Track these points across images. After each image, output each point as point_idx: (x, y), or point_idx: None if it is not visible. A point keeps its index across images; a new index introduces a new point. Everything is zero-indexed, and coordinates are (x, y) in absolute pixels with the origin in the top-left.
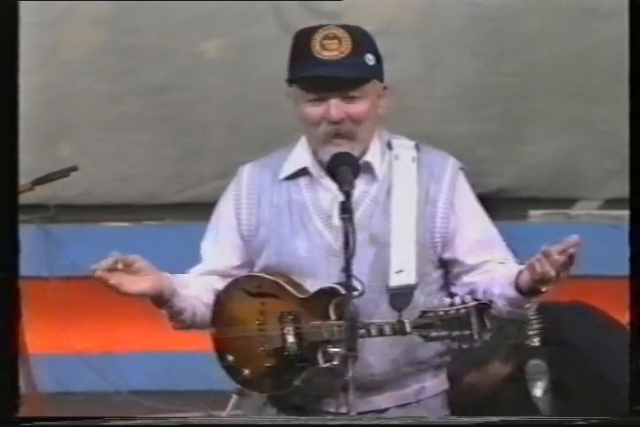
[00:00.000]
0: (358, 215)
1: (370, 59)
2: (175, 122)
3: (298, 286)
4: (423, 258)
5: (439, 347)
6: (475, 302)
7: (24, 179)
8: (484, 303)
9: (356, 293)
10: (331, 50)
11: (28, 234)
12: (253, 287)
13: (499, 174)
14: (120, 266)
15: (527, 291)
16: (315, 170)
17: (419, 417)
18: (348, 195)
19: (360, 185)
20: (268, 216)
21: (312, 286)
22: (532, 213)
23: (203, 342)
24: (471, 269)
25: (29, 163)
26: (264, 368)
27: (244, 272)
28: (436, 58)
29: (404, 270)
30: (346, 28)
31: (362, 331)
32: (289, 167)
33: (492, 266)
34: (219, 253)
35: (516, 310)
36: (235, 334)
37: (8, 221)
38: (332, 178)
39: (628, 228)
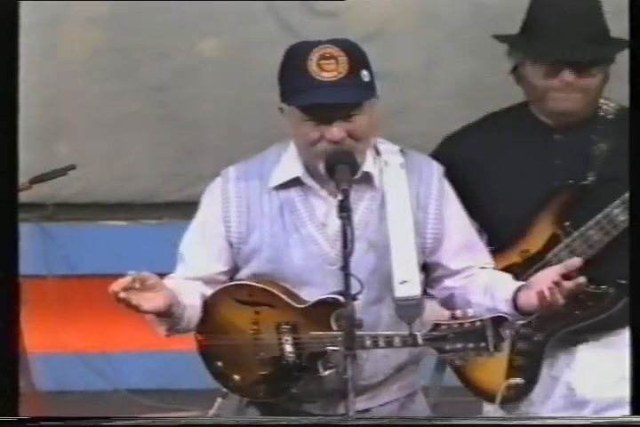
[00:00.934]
0: (355, 223)
1: (365, 75)
2: (173, 121)
3: (294, 296)
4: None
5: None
6: (490, 315)
7: (22, 177)
8: (500, 316)
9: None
10: (329, 71)
11: (25, 232)
12: (245, 296)
13: None
14: (137, 285)
15: (529, 312)
16: (307, 180)
17: (418, 417)
18: (346, 193)
19: (355, 193)
20: (259, 224)
21: (308, 294)
22: None
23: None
24: (454, 273)
25: (27, 161)
26: (259, 376)
27: (226, 278)
28: (434, 57)
29: (407, 281)
30: (340, 45)
31: (368, 342)
32: (279, 176)
33: (474, 271)
34: (204, 258)
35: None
36: (226, 342)
37: (8, 220)
38: (330, 177)
39: (629, 227)
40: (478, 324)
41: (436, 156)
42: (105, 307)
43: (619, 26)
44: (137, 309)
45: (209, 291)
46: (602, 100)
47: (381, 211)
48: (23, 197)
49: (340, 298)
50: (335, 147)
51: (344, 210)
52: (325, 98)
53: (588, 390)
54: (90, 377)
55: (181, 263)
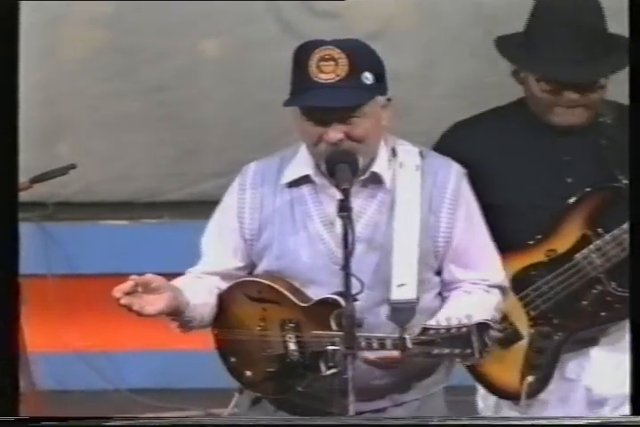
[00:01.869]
0: (362, 224)
1: (367, 77)
2: (174, 121)
3: (299, 294)
4: (425, 264)
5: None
6: (475, 321)
7: (22, 177)
8: (485, 323)
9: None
10: (327, 72)
11: (26, 232)
12: (255, 292)
13: None
14: (140, 289)
15: None
16: (317, 178)
17: (419, 417)
18: (346, 193)
19: (365, 194)
20: (270, 221)
21: (315, 293)
22: None
23: (200, 340)
24: (448, 282)
25: (28, 161)
26: (266, 373)
27: (244, 274)
28: (435, 57)
29: (405, 284)
30: (343, 46)
31: (363, 343)
32: (291, 173)
33: (463, 286)
34: (221, 253)
35: None
36: (236, 337)
37: (8, 220)
38: (331, 176)
39: (629, 227)
40: (464, 330)
41: (442, 144)
42: (106, 306)
43: (617, 25)
44: (139, 313)
45: (225, 286)
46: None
47: (391, 213)
48: (23, 196)
49: (339, 299)
50: (334, 148)
51: (344, 209)
52: (321, 101)
53: (606, 388)
54: (90, 377)
55: (202, 258)
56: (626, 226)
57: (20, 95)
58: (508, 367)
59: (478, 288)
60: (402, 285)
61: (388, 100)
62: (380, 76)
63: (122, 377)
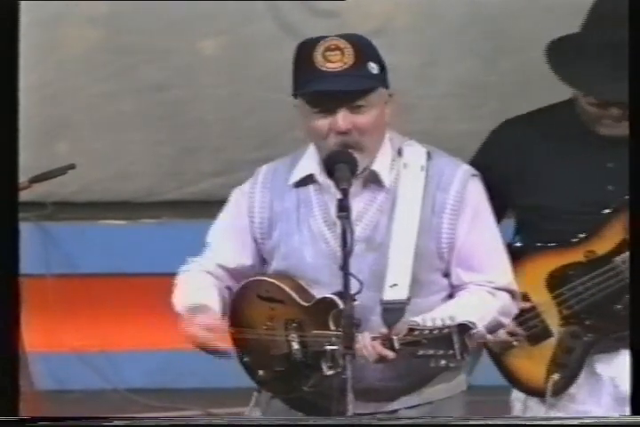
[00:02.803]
0: (364, 224)
1: (373, 67)
2: (173, 120)
3: (304, 293)
4: (430, 266)
5: None
6: (456, 323)
7: (21, 177)
8: (464, 324)
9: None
10: (334, 61)
11: (25, 231)
12: (264, 291)
13: None
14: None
15: None
16: (321, 177)
17: (421, 417)
18: (345, 193)
19: (367, 194)
20: (279, 220)
21: (319, 293)
22: None
23: None
24: (453, 286)
25: (26, 161)
26: (275, 372)
27: (253, 272)
28: (434, 56)
29: (397, 285)
30: (347, 38)
31: (356, 345)
32: (297, 173)
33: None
34: (231, 249)
35: None
36: (248, 337)
37: (8, 219)
38: (330, 176)
39: (629, 226)
40: (446, 331)
41: (490, 142)
42: (104, 306)
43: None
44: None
45: (234, 284)
46: None
47: (392, 213)
48: (22, 196)
49: (336, 298)
50: (344, 139)
51: (343, 209)
52: (328, 86)
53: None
54: (89, 376)
55: (209, 253)
56: None
57: (19, 95)
58: (535, 364)
59: (483, 290)
60: (394, 285)
61: (390, 95)
62: (383, 68)
63: (120, 377)
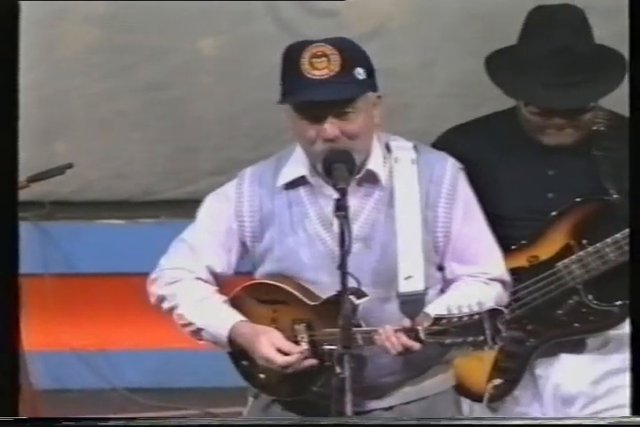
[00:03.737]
0: (360, 223)
1: (360, 73)
2: (171, 119)
3: (308, 293)
4: (427, 260)
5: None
6: (487, 308)
7: (20, 176)
8: (497, 309)
9: (365, 298)
10: (320, 69)
11: (23, 231)
12: (264, 295)
13: None
14: None
15: None
16: (313, 179)
17: (419, 418)
18: (343, 192)
19: (361, 192)
20: (270, 222)
21: (319, 293)
22: None
23: None
24: (449, 280)
25: (25, 160)
26: (281, 374)
27: (232, 277)
28: (432, 56)
29: (412, 276)
30: (334, 43)
31: (376, 337)
32: (287, 175)
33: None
34: (217, 254)
35: None
36: None
37: (7, 219)
38: (327, 175)
39: (629, 225)
40: (476, 317)
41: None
42: (103, 305)
43: (616, 24)
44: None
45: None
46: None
47: (389, 210)
48: (21, 195)
49: (350, 296)
50: (331, 146)
51: (341, 209)
52: (315, 95)
53: (574, 386)
54: (88, 376)
55: (195, 258)
56: (610, 240)
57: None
58: (476, 369)
59: (478, 281)
60: (409, 277)
61: (379, 97)
62: (370, 72)
63: (119, 376)
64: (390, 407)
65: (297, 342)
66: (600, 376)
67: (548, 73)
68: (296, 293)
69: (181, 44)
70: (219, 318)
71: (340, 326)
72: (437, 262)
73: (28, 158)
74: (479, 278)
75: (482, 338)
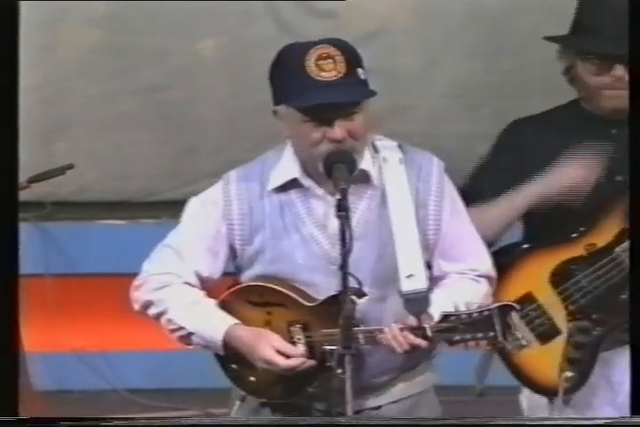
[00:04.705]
0: (354, 222)
1: (361, 73)
2: (171, 120)
3: (304, 294)
4: None
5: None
6: (497, 304)
7: (20, 176)
8: (507, 305)
9: (365, 298)
10: (327, 71)
11: (23, 232)
12: (257, 297)
13: None
14: None
15: None
16: (305, 181)
17: (418, 418)
18: (344, 193)
19: (354, 192)
20: (261, 225)
21: (314, 294)
22: None
23: None
24: (439, 277)
25: (25, 161)
26: (275, 376)
27: (217, 281)
28: (433, 56)
29: (413, 275)
30: (334, 44)
31: (380, 336)
32: (278, 178)
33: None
34: (205, 258)
35: None
36: None
37: (8, 220)
38: (328, 176)
39: (629, 225)
40: (486, 313)
41: (499, 141)
42: (103, 306)
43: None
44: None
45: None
46: None
47: (381, 209)
48: (21, 196)
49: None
50: (337, 146)
51: (342, 209)
52: (328, 97)
53: None
54: (88, 377)
55: (182, 262)
56: None
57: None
58: (546, 363)
59: (466, 278)
60: (411, 275)
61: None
62: (366, 73)
63: (120, 377)
64: (378, 407)
65: (293, 344)
66: None
67: (606, 26)
68: (292, 294)
69: (181, 45)
70: (212, 321)
71: (340, 326)
72: (426, 260)
73: (29, 159)
74: (467, 275)
75: (492, 334)
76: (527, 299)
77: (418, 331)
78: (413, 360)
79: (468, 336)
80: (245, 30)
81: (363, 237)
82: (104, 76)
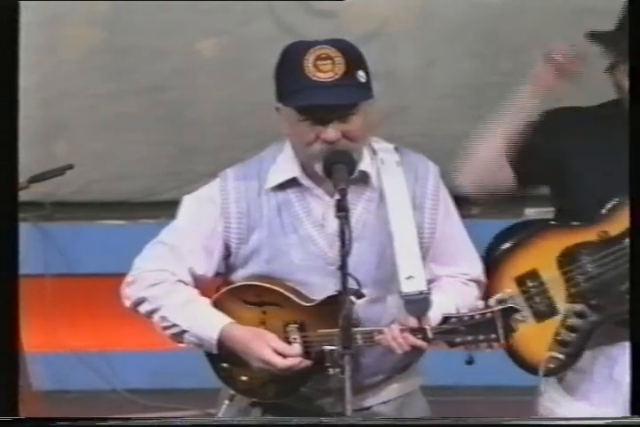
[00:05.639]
0: (352, 223)
1: (361, 76)
2: (171, 121)
3: (300, 294)
4: None
5: None
6: (500, 307)
7: (20, 177)
8: (511, 307)
9: (363, 298)
10: (325, 71)
11: (23, 232)
12: (252, 296)
13: None
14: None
15: None
16: (304, 180)
17: (417, 418)
18: (343, 193)
19: (353, 193)
20: (258, 225)
21: (309, 294)
22: (528, 211)
23: None
24: (430, 280)
25: (25, 161)
26: (267, 376)
27: (211, 280)
28: (433, 57)
29: (413, 276)
30: (336, 45)
31: (380, 337)
32: (276, 177)
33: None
34: (199, 256)
35: None
36: None
37: (8, 220)
38: (328, 176)
39: (629, 224)
40: (489, 315)
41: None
42: (103, 306)
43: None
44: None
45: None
46: None
47: (379, 211)
48: (21, 196)
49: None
50: (330, 147)
51: (342, 210)
52: (323, 99)
53: None
54: (88, 377)
55: (176, 259)
56: None
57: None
58: (537, 341)
59: (457, 281)
60: (410, 277)
61: (372, 98)
62: (369, 75)
63: (119, 377)
64: (369, 407)
65: (289, 344)
66: None
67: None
68: (288, 294)
69: (181, 45)
70: (207, 320)
71: (340, 326)
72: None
73: (29, 159)
74: (458, 279)
75: (494, 336)
76: (532, 275)
77: (418, 332)
78: (406, 362)
79: (470, 338)
80: (245, 30)
81: (361, 238)
82: (104, 77)
